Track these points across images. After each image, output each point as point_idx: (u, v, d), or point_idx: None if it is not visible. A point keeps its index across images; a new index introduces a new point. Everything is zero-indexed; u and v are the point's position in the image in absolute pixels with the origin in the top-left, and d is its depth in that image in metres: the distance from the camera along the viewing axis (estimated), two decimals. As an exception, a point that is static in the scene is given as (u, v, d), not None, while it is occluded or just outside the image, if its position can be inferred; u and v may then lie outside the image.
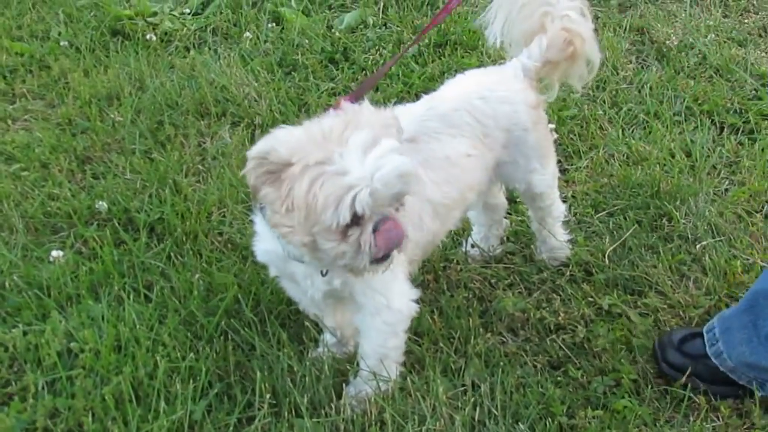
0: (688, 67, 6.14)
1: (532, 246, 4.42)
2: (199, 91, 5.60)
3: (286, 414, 3.44)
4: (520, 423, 3.45)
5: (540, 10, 3.81)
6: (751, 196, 4.82)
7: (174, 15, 6.62)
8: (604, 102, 5.67)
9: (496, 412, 3.50)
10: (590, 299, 4.10)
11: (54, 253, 4.20)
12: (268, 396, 3.47)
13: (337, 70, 6.03)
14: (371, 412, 3.44)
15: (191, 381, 3.51)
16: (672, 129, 5.39)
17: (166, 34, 6.44)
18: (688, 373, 3.62)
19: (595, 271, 4.26)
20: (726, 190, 4.91)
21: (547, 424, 3.46)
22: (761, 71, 6.05)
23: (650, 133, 5.37)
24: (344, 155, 2.77)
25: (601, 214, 4.65)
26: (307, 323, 3.77)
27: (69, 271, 4.10)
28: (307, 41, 6.31)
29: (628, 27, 6.62)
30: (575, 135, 5.31)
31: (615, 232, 4.50)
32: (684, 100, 5.68)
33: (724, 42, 6.48)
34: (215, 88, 5.67)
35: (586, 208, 4.68)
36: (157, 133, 5.25)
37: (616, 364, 3.74)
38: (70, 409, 3.43)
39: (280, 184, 2.83)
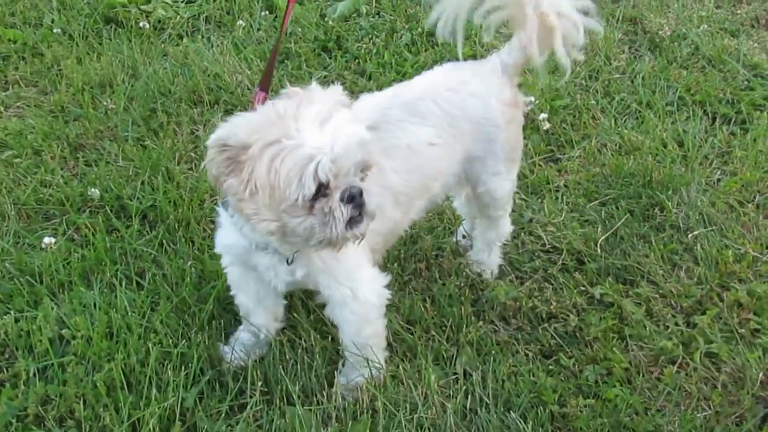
0: (680, 57, 6.14)
1: (522, 234, 4.43)
2: (192, 79, 5.59)
3: (277, 401, 3.45)
4: (511, 411, 3.46)
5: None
6: (743, 186, 4.83)
7: (167, 3, 6.63)
8: (597, 92, 5.68)
9: (487, 400, 3.51)
10: (582, 288, 4.10)
11: (46, 239, 4.21)
12: (259, 383, 3.48)
13: (330, 58, 6.03)
14: (363, 400, 3.45)
15: (183, 368, 3.52)
16: (664, 119, 5.40)
17: (159, 21, 6.44)
18: None
19: (587, 260, 4.27)
20: (718, 180, 4.92)
21: (539, 412, 3.47)
22: (754, 62, 6.05)
23: (643, 123, 5.38)
24: (300, 129, 2.78)
25: (593, 203, 4.66)
26: (295, 314, 3.78)
27: (61, 258, 4.11)
28: (300, 29, 6.31)
29: (621, 17, 6.63)
30: (568, 124, 5.31)
31: (607, 222, 4.51)
32: (676, 91, 5.69)
33: (717, 32, 6.49)
34: (208, 76, 5.66)
35: (579, 198, 4.69)
36: (150, 120, 5.24)
37: (608, 353, 3.75)
38: (61, 395, 3.44)
39: (240, 169, 2.82)
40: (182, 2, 6.69)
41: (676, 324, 3.92)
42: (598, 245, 4.34)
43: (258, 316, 3.63)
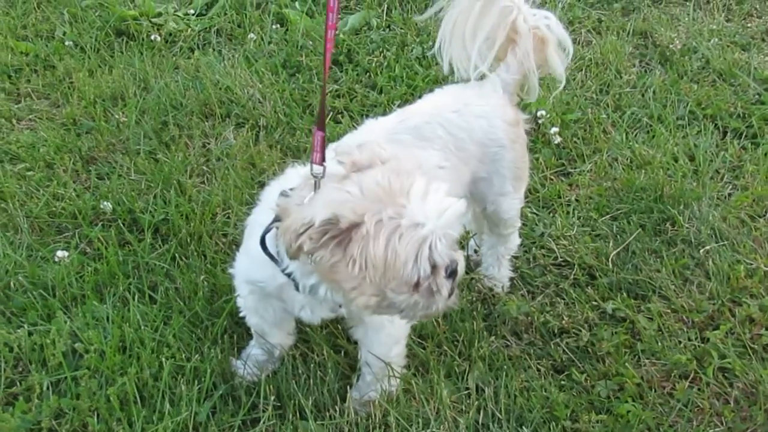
0: (691, 71, 6.14)
1: (533, 249, 4.44)
2: (204, 92, 5.61)
3: (290, 416, 3.45)
4: (523, 426, 3.46)
5: (504, 21, 3.74)
6: (754, 200, 4.82)
7: (178, 16, 6.64)
8: (608, 106, 5.68)
9: (500, 415, 3.51)
10: (594, 303, 4.11)
11: (59, 253, 4.21)
12: (272, 398, 3.49)
13: (341, 71, 6.03)
14: (375, 415, 3.46)
15: (196, 382, 3.53)
16: (675, 133, 5.40)
17: (170, 34, 6.46)
18: None
19: (599, 275, 4.27)
20: (729, 194, 4.92)
21: (551, 427, 3.47)
22: (765, 75, 6.05)
23: (654, 137, 5.38)
24: (411, 207, 2.72)
25: (604, 217, 4.66)
26: (308, 328, 3.78)
27: (74, 272, 4.12)
28: (311, 43, 6.32)
29: (631, 30, 6.63)
30: (579, 138, 5.31)
31: (618, 236, 4.51)
32: (687, 105, 5.69)
33: (728, 46, 6.49)
34: (220, 89, 5.68)
35: (590, 212, 4.69)
36: (162, 133, 5.26)
37: (620, 368, 3.75)
38: (74, 409, 3.44)
39: (346, 245, 2.73)
40: (193, 15, 6.70)
41: (689, 339, 3.92)
42: (610, 260, 4.34)
43: (273, 336, 3.63)
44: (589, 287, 4.20)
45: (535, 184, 4.85)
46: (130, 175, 4.88)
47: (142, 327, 3.78)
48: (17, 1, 6.81)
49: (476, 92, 3.80)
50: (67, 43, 6.26)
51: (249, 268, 3.28)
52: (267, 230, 2.99)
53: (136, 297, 3.97)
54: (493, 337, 3.91)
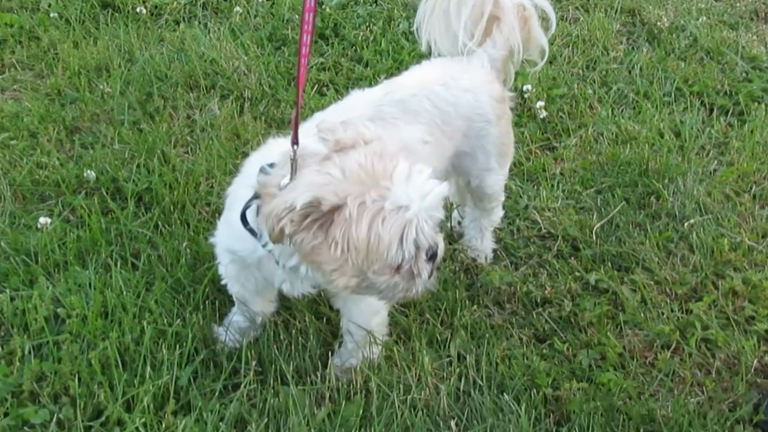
0: (678, 48, 6.15)
1: (517, 221, 4.44)
2: (189, 64, 5.58)
3: (271, 381, 3.45)
4: (505, 394, 3.46)
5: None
6: (739, 176, 4.84)
7: (165, -12, 6.60)
8: (594, 81, 5.68)
9: (481, 382, 3.51)
10: (577, 274, 4.11)
11: (42, 220, 4.20)
12: (253, 363, 3.49)
13: (327, 45, 6.02)
14: (357, 381, 3.46)
15: (177, 347, 3.52)
16: (661, 109, 5.41)
17: (156, 7, 6.42)
18: None
19: (583, 246, 4.28)
20: (714, 170, 4.93)
21: (532, 395, 3.48)
22: (752, 54, 6.07)
23: (639, 113, 5.39)
24: (394, 189, 2.71)
25: (589, 190, 4.67)
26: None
27: (56, 239, 4.10)
28: (297, 16, 6.29)
29: (619, 8, 6.63)
30: (564, 113, 5.31)
31: (603, 209, 4.52)
32: (674, 81, 5.69)
33: (716, 25, 6.50)
34: (205, 61, 5.65)
35: (575, 185, 4.69)
36: (146, 104, 5.23)
37: (602, 338, 3.76)
38: (56, 373, 3.43)
39: (328, 228, 2.71)
40: (180, -12, 6.67)
41: (672, 310, 3.94)
42: (594, 232, 4.35)
43: (255, 304, 3.61)
44: (572, 258, 4.21)
45: (519, 157, 4.84)
46: (114, 145, 4.85)
47: (125, 293, 3.77)
48: (2, -28, 6.77)
49: (464, 66, 3.78)
50: (52, 15, 6.21)
51: (229, 238, 3.27)
52: (247, 206, 2.97)
53: (119, 264, 3.95)
54: (475, 306, 3.90)
